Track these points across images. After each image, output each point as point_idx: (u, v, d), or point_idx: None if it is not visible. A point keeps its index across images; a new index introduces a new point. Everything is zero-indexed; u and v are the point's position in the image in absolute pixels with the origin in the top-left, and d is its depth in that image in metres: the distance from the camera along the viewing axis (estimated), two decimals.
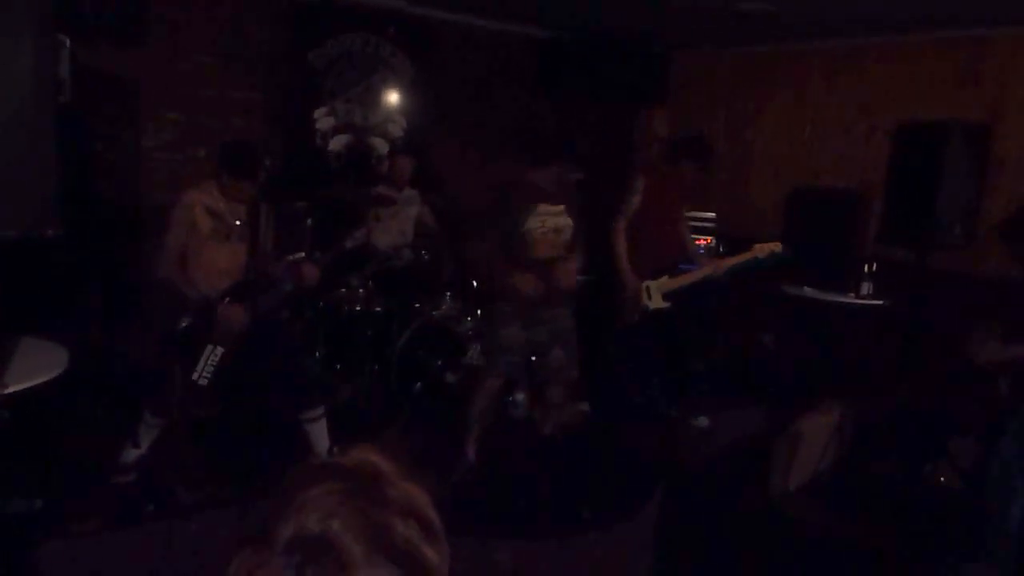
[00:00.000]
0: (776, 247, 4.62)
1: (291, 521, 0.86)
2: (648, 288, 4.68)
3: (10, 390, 2.49)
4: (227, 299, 3.49)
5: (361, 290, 4.82)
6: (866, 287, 4.97)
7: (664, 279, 4.72)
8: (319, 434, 3.77)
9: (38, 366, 2.71)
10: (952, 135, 4.21)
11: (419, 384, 4.82)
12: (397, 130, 6.18)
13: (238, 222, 3.61)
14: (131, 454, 3.60)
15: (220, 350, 3.45)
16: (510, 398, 4.84)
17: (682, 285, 4.74)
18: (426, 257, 5.06)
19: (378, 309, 4.77)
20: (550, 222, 3.88)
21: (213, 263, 3.55)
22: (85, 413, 4.05)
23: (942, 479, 4.19)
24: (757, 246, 4.67)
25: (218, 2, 5.38)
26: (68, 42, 2.70)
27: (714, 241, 6.30)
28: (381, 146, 6.08)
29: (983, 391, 3.67)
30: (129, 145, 5.18)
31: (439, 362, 4.82)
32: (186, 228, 3.51)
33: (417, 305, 4.94)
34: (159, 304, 3.69)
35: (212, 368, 3.44)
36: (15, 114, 1.77)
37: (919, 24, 5.32)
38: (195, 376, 3.43)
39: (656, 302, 4.70)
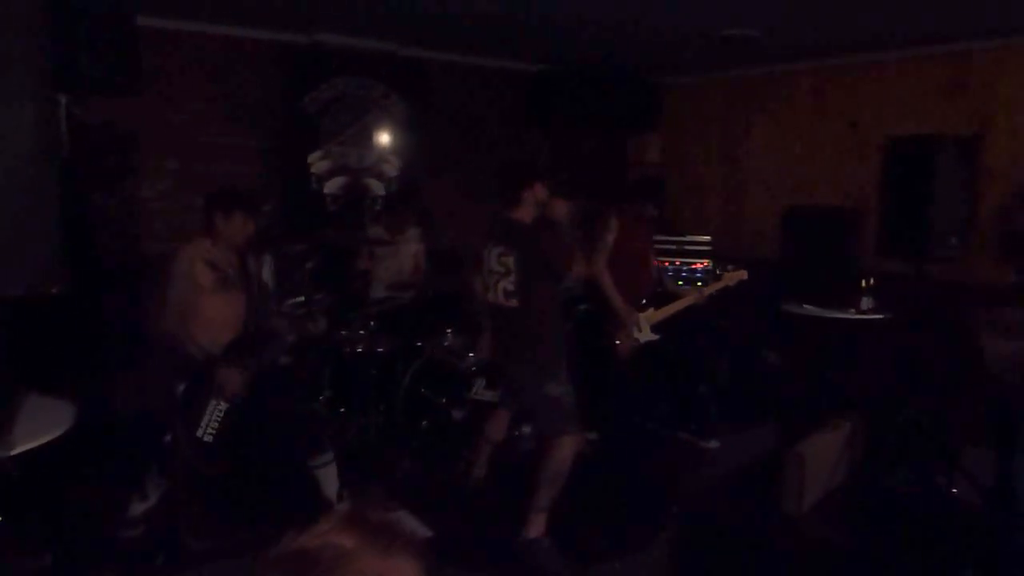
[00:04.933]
0: (742, 275, 4.96)
1: None
2: (637, 321, 4.74)
3: (18, 450, 2.47)
4: (228, 356, 3.47)
5: (362, 332, 4.82)
6: (866, 302, 4.96)
7: (650, 311, 4.83)
8: (328, 479, 3.73)
9: (45, 424, 2.69)
10: (942, 148, 4.25)
11: (425, 422, 4.80)
12: (391, 170, 6.23)
13: (231, 270, 3.60)
14: (139, 507, 3.59)
15: (224, 405, 3.42)
16: (516, 432, 4.82)
17: (668, 315, 4.84)
18: (429, 294, 5.07)
19: (380, 350, 4.76)
20: None
21: (215, 317, 3.52)
22: (92, 467, 4.02)
23: (954, 491, 4.17)
24: (727, 275, 4.95)
25: (210, 51, 5.46)
26: (64, 100, 2.75)
27: (711, 264, 6.30)
28: (376, 187, 6.13)
29: (991, 391, 3.65)
30: (127, 195, 5.22)
31: (444, 399, 4.82)
32: (187, 282, 3.47)
33: (419, 344, 4.93)
34: (160, 360, 3.66)
35: (216, 424, 3.41)
36: (18, 174, 1.79)
37: (902, 41, 5.40)
38: (199, 433, 3.39)
39: (645, 334, 4.78)
